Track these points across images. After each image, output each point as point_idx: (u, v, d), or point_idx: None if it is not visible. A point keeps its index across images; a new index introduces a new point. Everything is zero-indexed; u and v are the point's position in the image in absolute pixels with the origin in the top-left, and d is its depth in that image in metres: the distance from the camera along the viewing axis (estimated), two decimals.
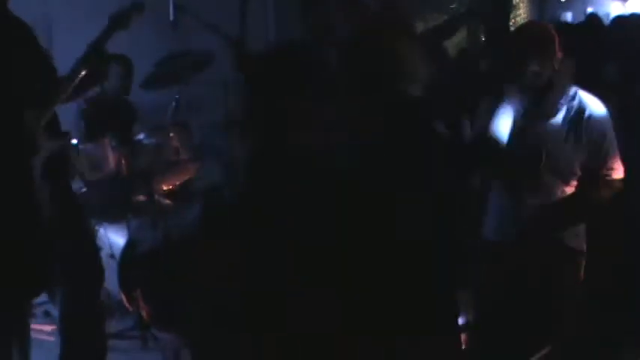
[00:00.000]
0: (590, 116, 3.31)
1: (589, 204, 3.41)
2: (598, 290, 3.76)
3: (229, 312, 2.14)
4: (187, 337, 4.20)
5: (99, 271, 4.02)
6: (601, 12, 10.00)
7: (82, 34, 3.87)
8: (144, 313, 4.65)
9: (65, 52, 3.87)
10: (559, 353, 3.25)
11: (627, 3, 12.62)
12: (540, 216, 3.37)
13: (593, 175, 3.36)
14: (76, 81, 3.67)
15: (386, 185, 2.45)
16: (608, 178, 3.36)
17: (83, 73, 3.67)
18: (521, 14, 12.25)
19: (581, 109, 3.33)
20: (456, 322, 3.03)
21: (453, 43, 8.02)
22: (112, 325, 4.74)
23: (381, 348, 2.05)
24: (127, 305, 4.83)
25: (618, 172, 3.38)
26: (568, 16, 11.99)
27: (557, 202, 3.37)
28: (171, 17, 5.24)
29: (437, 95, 3.02)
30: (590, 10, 11.60)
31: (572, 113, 3.33)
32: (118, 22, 3.75)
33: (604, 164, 3.34)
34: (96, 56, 3.70)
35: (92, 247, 4.13)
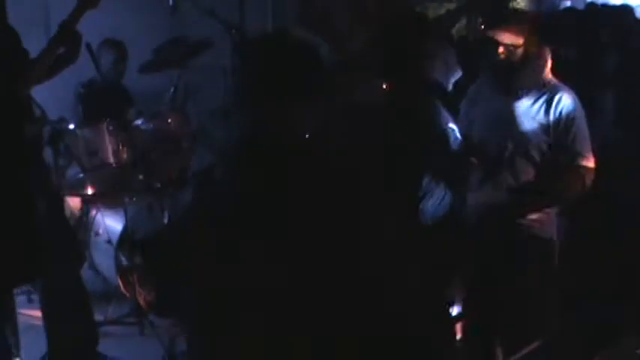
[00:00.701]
0: (560, 100, 3.39)
1: (555, 188, 3.45)
2: (574, 281, 3.78)
3: (226, 299, 2.14)
4: (184, 323, 4.20)
5: (78, 253, 4.04)
6: (599, 1, 9.96)
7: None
8: (141, 300, 4.65)
9: None
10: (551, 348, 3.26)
11: None
12: (507, 198, 3.42)
13: (561, 158, 3.41)
14: (49, 61, 3.67)
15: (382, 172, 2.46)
16: (575, 163, 3.40)
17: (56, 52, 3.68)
18: (519, 2, 12.22)
19: (552, 93, 3.41)
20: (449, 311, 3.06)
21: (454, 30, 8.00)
22: (109, 312, 4.75)
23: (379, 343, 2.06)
24: (124, 291, 4.83)
25: (587, 159, 3.41)
26: (567, 5, 11.95)
27: (524, 183, 3.43)
28: (170, 2, 5.24)
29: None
30: None
31: (543, 95, 3.41)
32: (87, 1, 3.75)
33: (572, 148, 3.39)
34: (67, 36, 3.69)
35: (69, 229, 4.15)
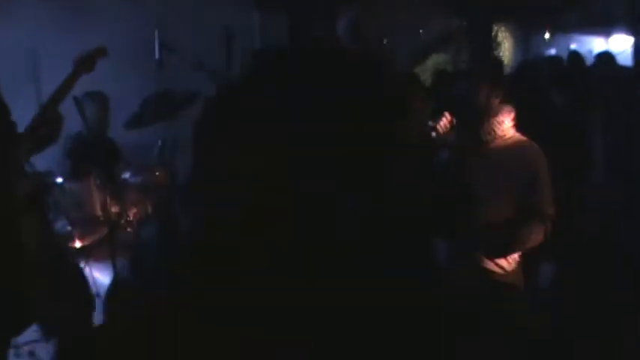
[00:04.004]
0: (526, 149, 3.49)
1: (521, 232, 3.46)
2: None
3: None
4: None
5: (89, 298, 4.02)
6: (583, 49, 10.11)
7: (69, 70, 3.90)
8: None
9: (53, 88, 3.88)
10: None
11: (609, 40, 12.77)
12: (472, 240, 3.46)
13: (525, 204, 3.46)
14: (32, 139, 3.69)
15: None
16: (540, 210, 3.46)
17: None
18: (505, 51, 12.39)
19: (518, 142, 3.51)
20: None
21: (434, 62, 8.08)
22: None
23: None
24: None
25: (550, 206, 3.47)
26: (552, 53, 12.13)
27: (490, 226, 3.46)
28: (157, 56, 5.27)
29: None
30: (573, 46, 11.71)
31: (509, 144, 3.50)
32: (83, 66, 3.79)
33: (536, 194, 3.45)
34: (49, 116, 3.73)
35: (77, 276, 4.13)
